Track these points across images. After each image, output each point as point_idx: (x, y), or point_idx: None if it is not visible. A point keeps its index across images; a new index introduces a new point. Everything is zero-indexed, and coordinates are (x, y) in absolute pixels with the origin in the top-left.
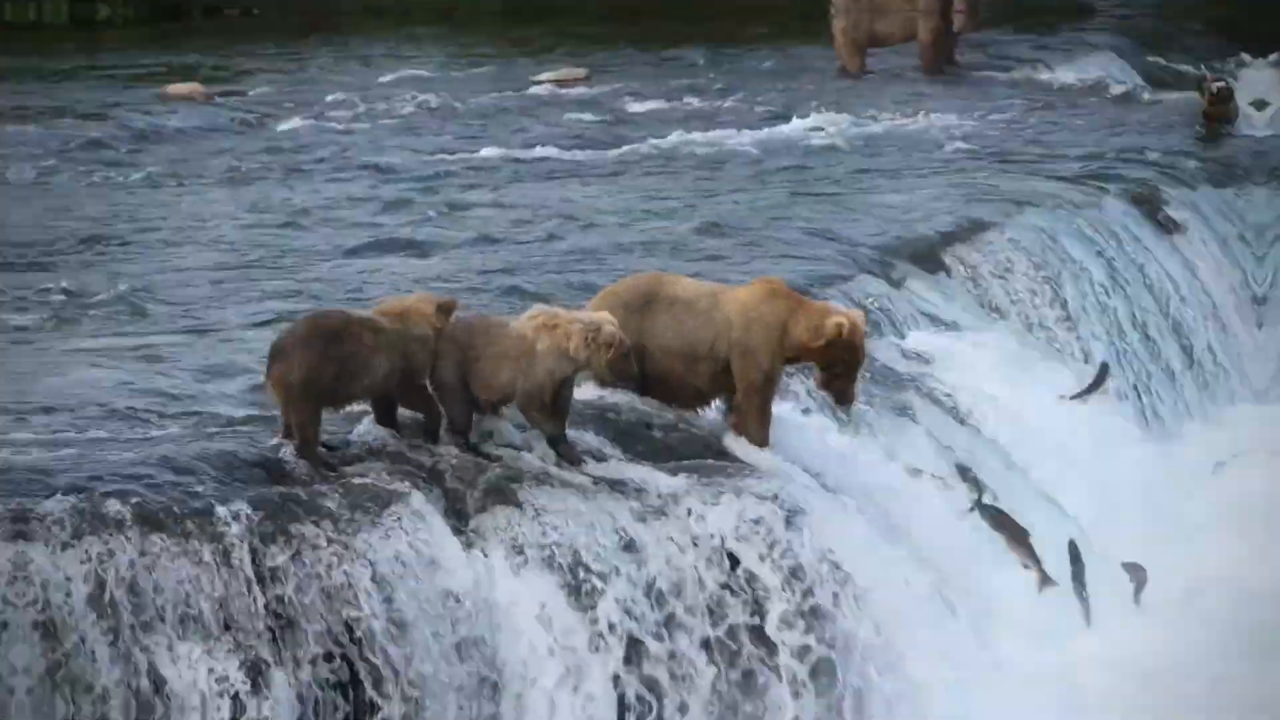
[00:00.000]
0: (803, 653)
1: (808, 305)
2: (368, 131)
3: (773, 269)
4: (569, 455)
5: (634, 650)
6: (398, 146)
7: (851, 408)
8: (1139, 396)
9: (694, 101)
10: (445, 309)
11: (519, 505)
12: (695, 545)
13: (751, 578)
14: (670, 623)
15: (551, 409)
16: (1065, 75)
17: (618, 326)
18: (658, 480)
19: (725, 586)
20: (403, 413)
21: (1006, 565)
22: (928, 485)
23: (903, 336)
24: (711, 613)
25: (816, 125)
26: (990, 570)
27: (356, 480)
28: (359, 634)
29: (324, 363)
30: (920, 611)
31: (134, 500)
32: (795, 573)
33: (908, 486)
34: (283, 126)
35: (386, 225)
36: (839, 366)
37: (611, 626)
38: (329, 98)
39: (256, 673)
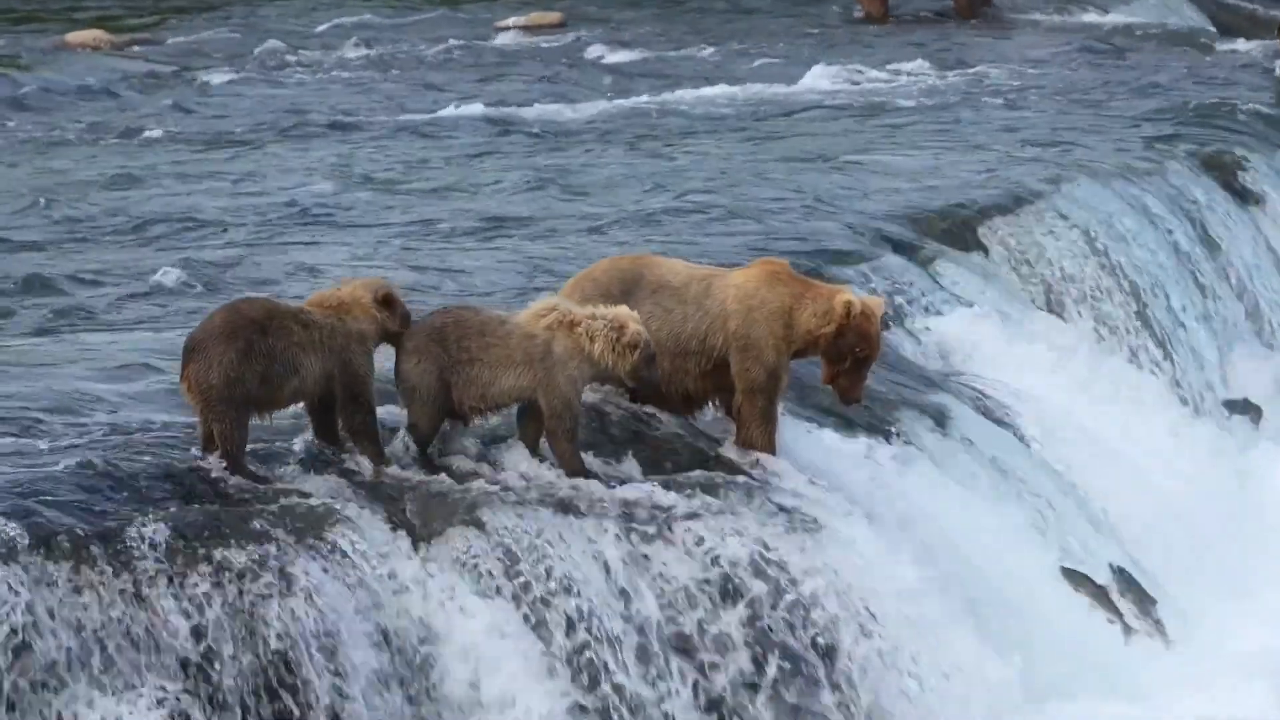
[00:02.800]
0: (809, 701)
1: (816, 290)
2: (303, 88)
3: (776, 248)
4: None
5: (613, 699)
6: (338, 105)
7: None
8: (1210, 397)
9: (685, 51)
10: (386, 301)
11: (481, 527)
12: (688, 574)
13: (754, 611)
14: (656, 665)
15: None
16: (1121, 18)
17: (642, 324)
18: (645, 498)
19: (722, 622)
20: None
21: (1061, 596)
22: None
23: (929, 326)
24: (706, 657)
25: (830, 79)
26: (1046, 606)
27: (292, 498)
28: (295, 677)
29: (247, 361)
30: (959, 657)
31: (29, 522)
32: (806, 605)
33: (945, 504)
34: (205, 79)
35: (324, 199)
36: (849, 360)
37: (588, 670)
38: (257, 48)
39: None
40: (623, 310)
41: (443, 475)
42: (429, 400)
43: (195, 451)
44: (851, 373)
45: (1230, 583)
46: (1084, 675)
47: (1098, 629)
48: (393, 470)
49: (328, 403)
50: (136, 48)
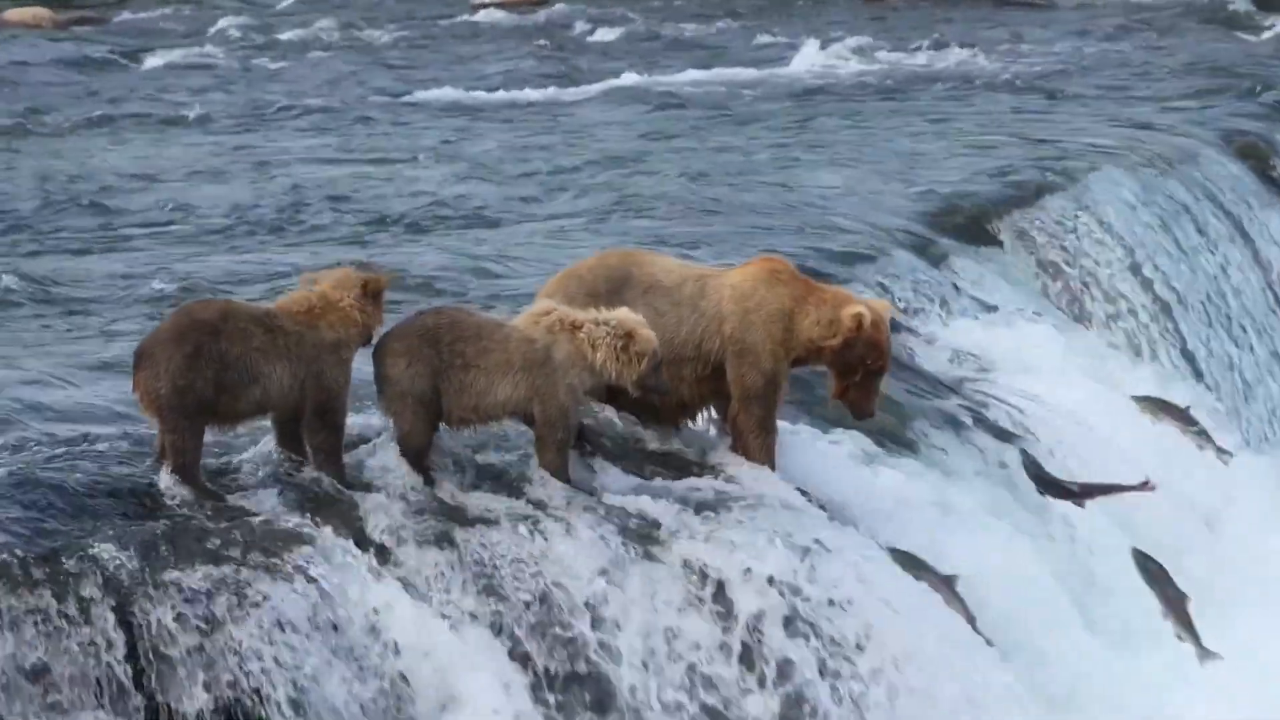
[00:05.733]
0: None
1: (819, 292)
2: (264, 70)
3: (775, 245)
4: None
5: None
6: (302, 89)
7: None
8: (1242, 407)
9: (675, 29)
10: (372, 289)
11: (455, 546)
12: (680, 599)
13: (750, 637)
14: (641, 693)
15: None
16: None
17: (650, 329)
18: (634, 514)
19: (715, 648)
20: None
21: (1093, 630)
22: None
23: (942, 328)
24: (698, 686)
25: (832, 61)
26: (1071, 642)
27: (251, 514)
28: (255, 708)
29: (197, 367)
30: (974, 689)
31: None
32: (806, 630)
33: (958, 522)
34: (157, 62)
35: (288, 190)
36: (858, 372)
37: (570, 699)
38: (213, 27)
39: None
40: (628, 315)
41: (416, 489)
42: (422, 407)
43: (153, 465)
44: (863, 385)
45: (1264, 596)
46: (1106, 693)
47: (1123, 640)
48: (358, 487)
49: (296, 414)
50: (81, 27)
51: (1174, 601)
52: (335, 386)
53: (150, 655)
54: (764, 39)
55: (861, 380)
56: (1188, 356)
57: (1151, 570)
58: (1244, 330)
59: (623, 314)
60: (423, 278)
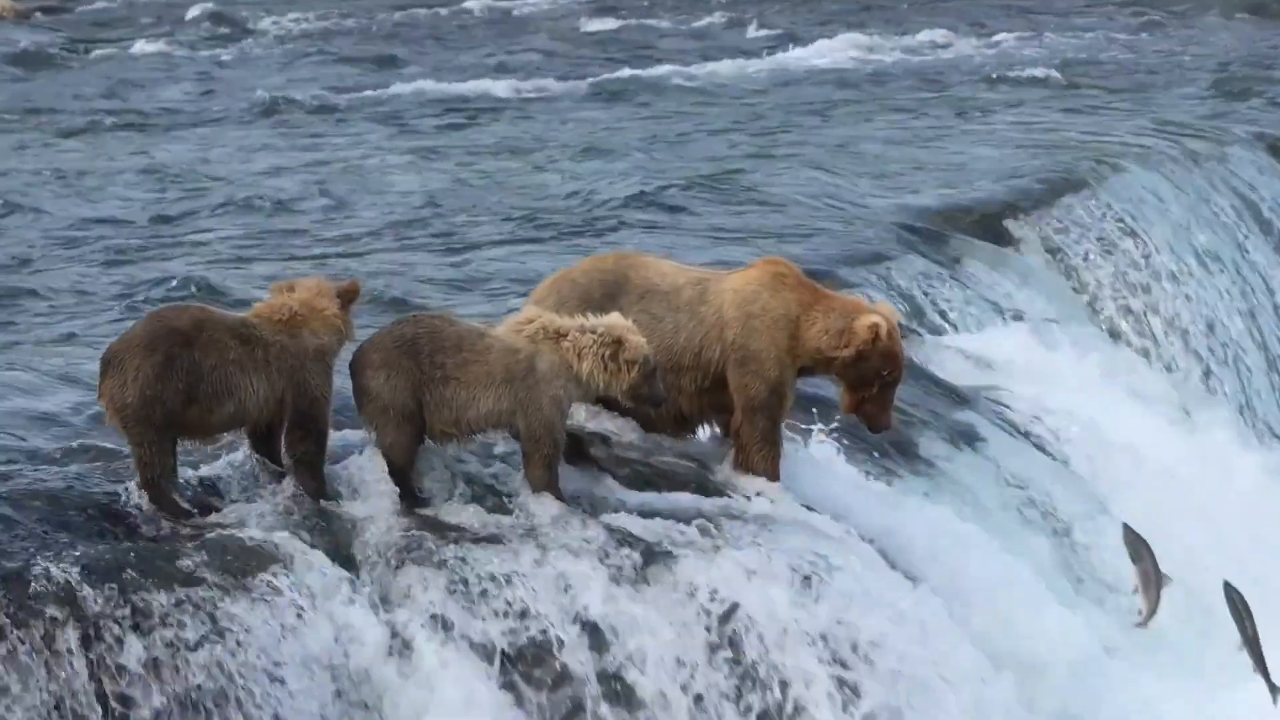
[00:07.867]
0: None
1: (827, 299)
2: (241, 62)
3: (780, 248)
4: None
5: None
6: (281, 82)
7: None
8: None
9: (675, 19)
10: (346, 296)
11: (438, 566)
12: (678, 621)
13: (755, 664)
14: None
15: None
16: None
17: (641, 336)
18: (630, 533)
19: (717, 678)
20: None
21: (1121, 657)
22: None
23: (956, 334)
24: (697, 708)
25: (842, 50)
26: (1096, 668)
27: (225, 531)
28: None
29: (167, 377)
30: (979, 705)
31: None
32: (812, 658)
33: (972, 540)
34: (122, 53)
35: (264, 190)
36: (873, 384)
37: None
38: (190, 13)
39: None
40: (617, 321)
41: (398, 504)
42: (404, 420)
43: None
44: (878, 397)
45: None
46: None
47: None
48: (335, 501)
49: (271, 427)
50: (44, 16)
51: (1252, 636)
52: (319, 395)
53: (116, 683)
54: (767, 31)
55: (877, 392)
56: (1207, 362)
57: (1235, 601)
58: (1264, 332)
59: (611, 320)
60: (403, 283)
